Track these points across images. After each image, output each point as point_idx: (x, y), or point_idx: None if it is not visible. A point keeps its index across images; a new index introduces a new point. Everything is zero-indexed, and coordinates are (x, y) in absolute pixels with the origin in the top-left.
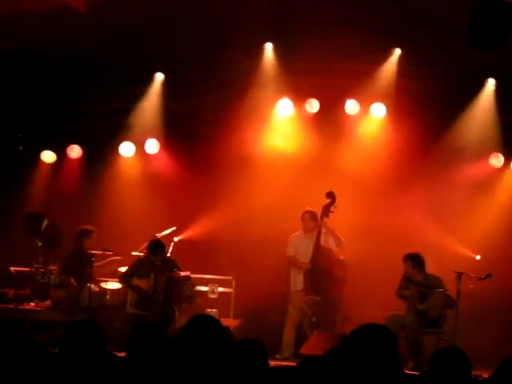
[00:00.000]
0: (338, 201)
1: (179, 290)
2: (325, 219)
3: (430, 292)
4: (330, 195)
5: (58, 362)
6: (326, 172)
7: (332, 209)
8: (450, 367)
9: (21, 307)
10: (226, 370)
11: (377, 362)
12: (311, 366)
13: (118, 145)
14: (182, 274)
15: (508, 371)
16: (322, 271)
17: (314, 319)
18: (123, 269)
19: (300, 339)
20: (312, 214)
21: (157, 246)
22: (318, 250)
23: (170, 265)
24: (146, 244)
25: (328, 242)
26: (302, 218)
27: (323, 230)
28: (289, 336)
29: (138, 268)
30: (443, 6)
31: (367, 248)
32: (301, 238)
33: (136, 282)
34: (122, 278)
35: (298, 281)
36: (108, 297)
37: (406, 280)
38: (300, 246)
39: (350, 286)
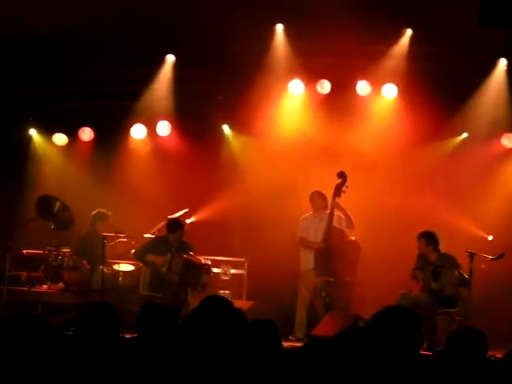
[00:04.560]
0: (349, 181)
1: (196, 276)
2: (337, 199)
3: (443, 270)
4: (342, 175)
5: (71, 345)
6: (337, 153)
7: (344, 188)
8: (469, 347)
9: (34, 289)
10: (239, 351)
11: (400, 346)
12: (317, 348)
13: (130, 127)
14: (204, 261)
15: None
16: (334, 251)
17: (327, 299)
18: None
19: (313, 320)
20: (319, 193)
21: (176, 225)
22: (331, 229)
23: (186, 248)
24: (158, 226)
25: (340, 223)
26: (311, 198)
27: (335, 211)
28: (301, 316)
29: (154, 245)
30: None
31: (379, 228)
32: (310, 219)
33: (151, 257)
34: (136, 252)
35: (308, 260)
36: (121, 279)
37: (421, 259)
38: (310, 227)
39: (362, 267)
